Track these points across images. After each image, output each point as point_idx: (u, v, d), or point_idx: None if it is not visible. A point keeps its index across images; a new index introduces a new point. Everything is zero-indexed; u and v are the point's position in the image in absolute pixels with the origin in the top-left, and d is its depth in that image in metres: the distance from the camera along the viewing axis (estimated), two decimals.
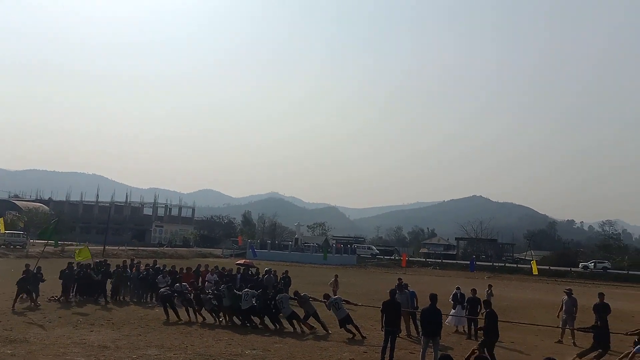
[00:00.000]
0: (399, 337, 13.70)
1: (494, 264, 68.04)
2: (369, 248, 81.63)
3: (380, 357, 11.63)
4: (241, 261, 28.30)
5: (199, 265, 23.43)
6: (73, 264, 20.39)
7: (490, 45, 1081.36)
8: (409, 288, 16.49)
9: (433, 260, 71.99)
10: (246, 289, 16.34)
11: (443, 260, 70.46)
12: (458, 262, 70.70)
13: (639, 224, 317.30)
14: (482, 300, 15.11)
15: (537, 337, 16.36)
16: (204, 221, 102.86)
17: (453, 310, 16.95)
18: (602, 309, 14.81)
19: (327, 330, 15.04)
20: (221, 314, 16.38)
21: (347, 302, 15.93)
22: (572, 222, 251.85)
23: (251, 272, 24.50)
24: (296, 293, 16.31)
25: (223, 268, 23.50)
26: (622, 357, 12.83)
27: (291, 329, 15.20)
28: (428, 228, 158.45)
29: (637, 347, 12.62)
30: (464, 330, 16.36)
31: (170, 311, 16.31)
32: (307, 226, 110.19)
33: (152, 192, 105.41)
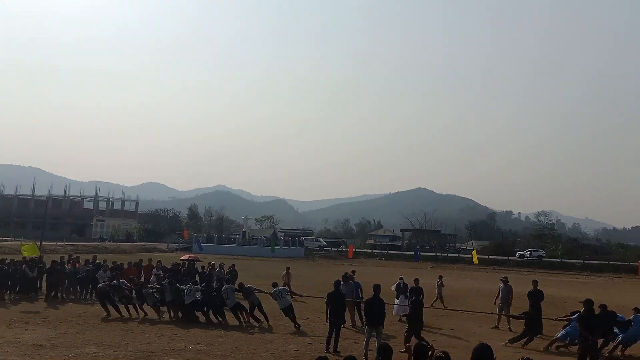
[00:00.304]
0: (343, 327, 13.92)
1: (437, 254, 70.17)
2: (316, 240, 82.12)
3: (325, 348, 11.76)
4: (186, 256, 27.77)
5: (141, 260, 22.82)
6: (5, 261, 19.38)
7: (435, 39, 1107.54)
8: (354, 279, 16.78)
9: (379, 251, 73.34)
10: (189, 284, 16.08)
11: (389, 251, 71.91)
12: (403, 252, 72.35)
13: (572, 215, 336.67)
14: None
15: (475, 323, 17.02)
16: (149, 215, 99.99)
17: (397, 300, 17.34)
18: (535, 296, 15.61)
19: (267, 321, 15.06)
20: (164, 309, 16.04)
21: (293, 294, 16.01)
22: (510, 213, 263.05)
23: (196, 267, 24.11)
24: (241, 285, 16.23)
25: (176, 264, 22.94)
26: (551, 342, 13.61)
27: (236, 322, 15.10)
28: (374, 220, 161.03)
29: (560, 334, 13.43)
30: (407, 320, 16.78)
31: (111, 307, 15.83)
32: (255, 219, 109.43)
33: (93, 185, 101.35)
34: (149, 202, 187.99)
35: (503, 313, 16.45)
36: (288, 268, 23.76)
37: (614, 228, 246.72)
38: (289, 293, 15.62)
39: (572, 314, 13.29)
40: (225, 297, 15.12)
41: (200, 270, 22.65)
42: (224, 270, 22.35)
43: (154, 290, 16.00)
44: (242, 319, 15.19)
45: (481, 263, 52.37)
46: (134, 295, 16.15)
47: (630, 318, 13.03)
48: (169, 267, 21.54)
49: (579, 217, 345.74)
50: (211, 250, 56.07)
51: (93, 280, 19.05)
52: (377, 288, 12.12)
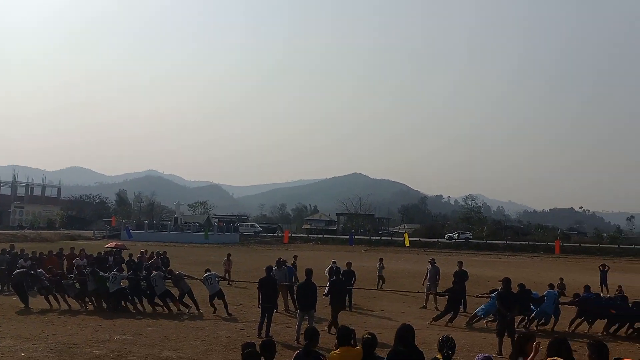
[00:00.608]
0: (276, 312, 13.89)
1: (371, 237, 71.77)
2: (252, 226, 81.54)
3: (257, 333, 11.67)
4: (112, 244, 26.61)
5: (62, 249, 21.64)
6: None
7: (364, 25, 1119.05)
8: (287, 264, 16.78)
9: (315, 235, 74.00)
10: (114, 271, 15.40)
11: (324, 236, 72.72)
12: (338, 236, 73.39)
13: (497, 198, 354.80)
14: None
15: (404, 304, 17.56)
16: (73, 201, 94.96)
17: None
18: (460, 276, 16.32)
19: (198, 308, 14.79)
20: (88, 299, 15.32)
21: (223, 279, 15.84)
22: (440, 197, 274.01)
23: (122, 255, 23.19)
24: (170, 271, 15.81)
25: (104, 253, 21.91)
26: (471, 317, 14.29)
27: (165, 311, 14.69)
28: (311, 205, 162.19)
29: (479, 309, 14.13)
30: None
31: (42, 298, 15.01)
32: (188, 205, 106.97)
33: (10, 169, 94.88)
34: (73, 187, 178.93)
35: (430, 292, 17.08)
36: (229, 255, 23.47)
37: (534, 210, 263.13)
38: (219, 279, 15.39)
39: (492, 291, 14.00)
40: (154, 285, 14.65)
41: (128, 259, 21.82)
42: (165, 259, 21.58)
43: (74, 280, 15.23)
44: (171, 307, 14.80)
45: (412, 245, 54.13)
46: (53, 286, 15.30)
47: (544, 294, 13.89)
48: (95, 257, 20.57)
49: (503, 200, 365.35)
50: (141, 237, 54.21)
51: (11, 271, 17.83)
52: (309, 272, 12.16)
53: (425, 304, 17.09)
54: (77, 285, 15.16)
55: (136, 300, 15.01)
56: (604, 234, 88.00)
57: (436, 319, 14.19)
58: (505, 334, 11.01)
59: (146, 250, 23.65)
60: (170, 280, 15.54)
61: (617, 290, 17.26)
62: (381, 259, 22.49)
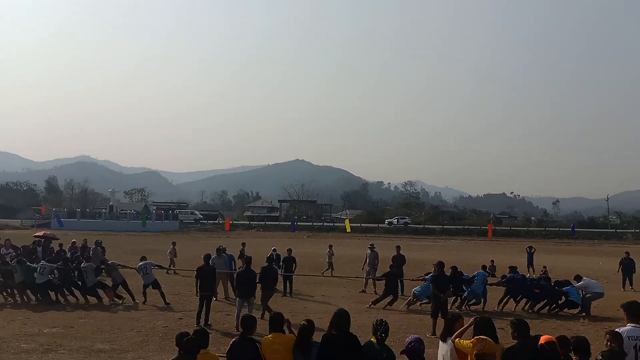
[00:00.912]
0: (217, 300, 13.76)
1: (314, 223, 72.31)
2: (192, 213, 79.98)
3: (195, 322, 11.50)
4: (40, 233, 25.23)
5: None
6: None
7: (300, 10, 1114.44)
8: (227, 252, 16.61)
9: (257, 222, 73.63)
10: (42, 262, 14.65)
11: (266, 222, 72.52)
12: (281, 223, 73.45)
13: (435, 184, 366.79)
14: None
15: (344, 288, 17.86)
16: None
17: None
18: (398, 260, 16.79)
19: (133, 299, 14.42)
20: (13, 291, 14.51)
21: (160, 267, 15.49)
22: (381, 183, 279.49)
23: (52, 246, 22.05)
24: (103, 261, 15.25)
25: (33, 243, 20.60)
26: (409, 300, 14.78)
27: (99, 302, 14.17)
28: (252, 191, 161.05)
29: (414, 289, 14.64)
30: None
31: None
32: (124, 192, 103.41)
33: None
34: None
35: (369, 277, 17.46)
36: (174, 243, 22.90)
37: (469, 196, 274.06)
38: (155, 267, 15.03)
39: (427, 274, 14.52)
40: (85, 276, 14.07)
41: (58, 249, 20.78)
42: (100, 249, 20.62)
43: None
44: (104, 298, 14.28)
45: (354, 231, 55.02)
46: None
47: (474, 275, 14.55)
48: (22, 247, 19.40)
49: (440, 186, 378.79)
50: (74, 226, 51.96)
51: None
52: (248, 260, 12.10)
53: (365, 287, 17.45)
54: (1, 277, 14.32)
55: (66, 292, 14.37)
56: (532, 218, 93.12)
57: (375, 302, 14.53)
58: (439, 315, 11.44)
59: (86, 240, 22.60)
60: (104, 271, 14.99)
61: (542, 270, 18.34)
62: (330, 246, 22.65)
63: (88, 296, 14.25)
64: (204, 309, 11.69)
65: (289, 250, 17.55)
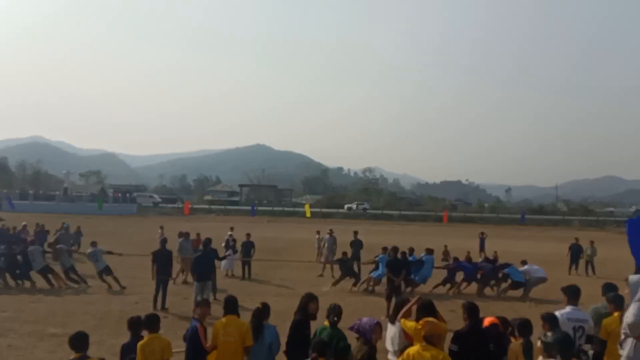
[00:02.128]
0: (175, 284, 13.75)
1: (274, 208, 72.23)
2: (150, 197, 78.44)
3: (152, 306, 11.48)
4: None
5: None
6: None
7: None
8: (189, 236, 16.56)
9: (217, 207, 72.95)
10: None
11: (227, 207, 71.95)
12: (241, 208, 73.01)
13: (394, 170, 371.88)
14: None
15: (304, 272, 18.09)
16: None
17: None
18: (355, 245, 17.14)
19: (85, 283, 14.24)
20: None
21: (110, 253, 15.29)
22: (341, 169, 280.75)
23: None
24: (51, 245, 14.94)
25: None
26: (364, 282, 15.18)
27: (48, 286, 13.91)
28: (213, 176, 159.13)
29: (372, 273, 15.06)
30: (232, 274, 17.01)
31: None
32: (80, 174, 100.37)
33: None
34: None
35: (325, 262, 17.82)
36: (162, 227, 22.43)
37: (426, 182, 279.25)
38: (106, 253, 14.83)
39: (376, 257, 14.94)
40: (32, 260, 13.75)
41: (1, 228, 20.12)
42: (71, 234, 20.03)
43: None
44: (53, 282, 14.01)
45: (314, 216, 55.26)
46: None
47: (422, 257, 15.07)
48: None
49: (398, 173, 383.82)
50: (26, 208, 50.13)
51: None
52: (206, 243, 12.13)
53: (322, 272, 17.75)
54: None
55: (7, 276, 14.01)
56: (485, 205, 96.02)
57: (335, 283, 14.94)
58: (394, 297, 11.82)
59: (40, 224, 21.90)
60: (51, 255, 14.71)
61: (492, 255, 19.05)
62: (330, 230, 19.80)
63: (36, 280, 13.94)
64: (161, 292, 11.69)
65: (248, 235, 17.58)
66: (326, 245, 18.12)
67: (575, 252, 20.84)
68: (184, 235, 16.29)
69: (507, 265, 15.31)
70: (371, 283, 14.96)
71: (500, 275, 15.18)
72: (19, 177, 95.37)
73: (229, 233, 18.29)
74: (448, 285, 15.15)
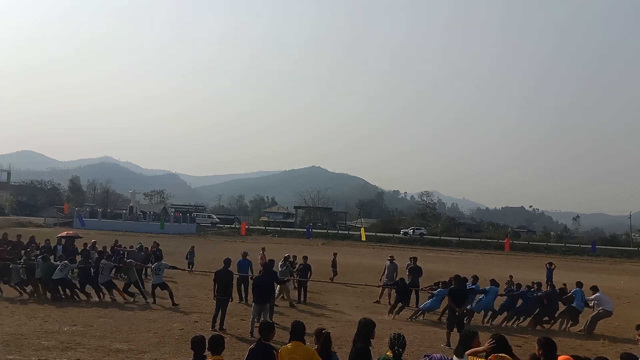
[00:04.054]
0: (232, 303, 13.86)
1: (329, 231, 72.24)
2: (209, 217, 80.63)
3: (211, 326, 11.63)
4: (64, 233, 25.71)
5: (6, 235, 20.76)
6: None
7: (305, 17, 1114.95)
8: (247, 257, 16.76)
9: (272, 228, 73.85)
10: (65, 261, 14.99)
11: (282, 228, 72.70)
12: (296, 229, 73.55)
13: (452, 195, 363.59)
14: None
15: (359, 298, 17.83)
16: (23, 186, 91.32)
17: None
18: (414, 271, 16.72)
19: (146, 299, 14.70)
20: (30, 288, 14.91)
21: (175, 268, 15.74)
22: (397, 192, 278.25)
23: (75, 244, 22.45)
24: (121, 259, 15.57)
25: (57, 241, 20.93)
26: (415, 312, 14.71)
27: (119, 300, 14.47)
28: (269, 197, 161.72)
29: (424, 304, 14.56)
30: (287, 297, 16.52)
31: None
32: (144, 194, 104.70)
33: None
34: (24, 172, 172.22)
35: (379, 285, 17.48)
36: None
37: (486, 208, 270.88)
38: (170, 267, 15.29)
39: (435, 284, 14.47)
40: (100, 272, 14.40)
41: (83, 248, 21.15)
42: (143, 253, 20.89)
43: (22, 266, 14.76)
44: (117, 297, 14.57)
45: (369, 240, 54.86)
46: None
47: (485, 288, 14.42)
48: (44, 245, 19.79)
49: (457, 197, 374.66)
50: (95, 225, 52.80)
51: None
52: (266, 265, 12.22)
53: (379, 298, 17.39)
54: (23, 272, 14.73)
55: (80, 288, 14.76)
56: (552, 233, 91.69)
57: (391, 310, 14.57)
58: (455, 328, 11.41)
59: (118, 241, 22.99)
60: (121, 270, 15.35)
61: (560, 288, 18.01)
62: (335, 254, 21.14)
63: (101, 292, 14.61)
64: (220, 312, 11.82)
65: (305, 258, 17.58)
66: (386, 272, 17.74)
67: None
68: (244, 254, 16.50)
69: (571, 298, 14.39)
70: (419, 314, 14.53)
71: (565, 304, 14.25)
72: (89, 196, 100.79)
73: (287, 254, 18.31)
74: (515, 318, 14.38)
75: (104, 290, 14.82)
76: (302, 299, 16.50)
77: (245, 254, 16.62)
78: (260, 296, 11.60)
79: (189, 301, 15.20)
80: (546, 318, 14.23)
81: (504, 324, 14.16)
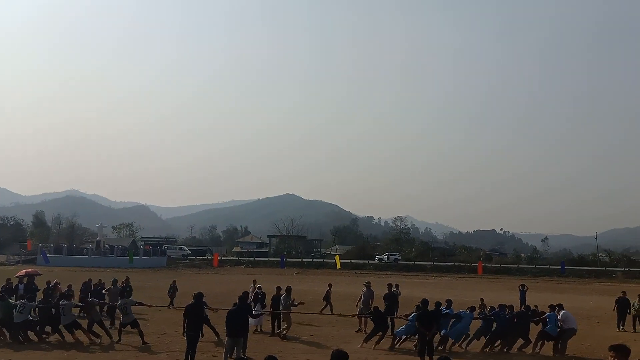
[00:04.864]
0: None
1: (303, 259, 71.61)
2: (180, 249, 79.06)
3: None
4: (22, 272, 24.58)
5: None
6: None
7: (302, 40, 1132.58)
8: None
9: (246, 258, 72.84)
10: (23, 300, 14.28)
11: (255, 258, 71.72)
12: (270, 259, 72.69)
13: (425, 220, 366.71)
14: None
15: (334, 328, 17.52)
16: None
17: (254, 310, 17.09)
18: (390, 298, 16.57)
19: (111, 339, 14.07)
20: None
21: (140, 304, 15.20)
22: (371, 218, 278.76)
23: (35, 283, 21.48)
24: (82, 299, 14.96)
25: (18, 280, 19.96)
26: (393, 339, 14.52)
27: (78, 340, 13.79)
28: (242, 226, 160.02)
29: (397, 330, 14.41)
30: (260, 330, 16.27)
31: None
32: (113, 227, 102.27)
33: None
34: None
35: (354, 315, 17.19)
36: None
37: (459, 232, 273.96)
38: (136, 304, 14.77)
39: (409, 314, 14.34)
40: (62, 313, 13.74)
41: (46, 286, 20.26)
42: (119, 288, 20.10)
43: None
44: (82, 337, 13.89)
45: (344, 267, 54.48)
46: None
47: (460, 312, 14.36)
48: (4, 285, 18.89)
49: (430, 222, 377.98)
50: (59, 262, 51.07)
51: None
52: (240, 298, 11.92)
53: (361, 326, 17.05)
54: None
55: (45, 330, 14.05)
56: (522, 255, 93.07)
57: (366, 339, 14.27)
58: (426, 353, 11.33)
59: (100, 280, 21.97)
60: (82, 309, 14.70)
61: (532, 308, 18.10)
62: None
63: (65, 335, 13.88)
64: (191, 348, 11.36)
65: (278, 288, 17.21)
66: (362, 298, 17.49)
67: (623, 306, 19.54)
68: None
69: (541, 313, 14.49)
70: (397, 341, 14.33)
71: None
72: (54, 231, 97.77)
73: (258, 285, 17.96)
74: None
75: (64, 332, 14.06)
76: (276, 331, 16.11)
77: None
78: (234, 330, 11.27)
79: (157, 338, 14.66)
80: (523, 342, 14.22)
81: (484, 349, 14.05)
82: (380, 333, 14.24)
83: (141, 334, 13.89)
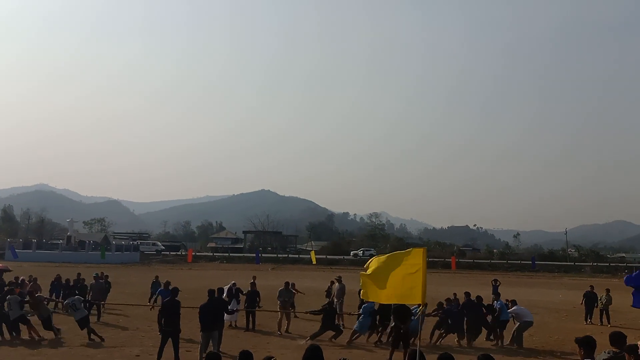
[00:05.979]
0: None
1: (278, 255, 71.54)
2: (153, 244, 78.12)
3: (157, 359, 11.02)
4: None
5: None
6: None
7: (265, 38, 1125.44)
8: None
9: (220, 254, 72.36)
10: None
11: (230, 254, 71.34)
12: (245, 255, 72.37)
13: (400, 216, 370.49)
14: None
15: (309, 322, 17.48)
16: None
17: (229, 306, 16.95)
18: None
19: (56, 335, 13.75)
20: None
21: (88, 302, 14.99)
22: (347, 214, 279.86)
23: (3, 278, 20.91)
24: (30, 293, 14.60)
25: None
26: (351, 334, 14.48)
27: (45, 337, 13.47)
28: (217, 222, 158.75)
29: (355, 326, 14.39)
30: (235, 325, 16.16)
31: None
32: (84, 222, 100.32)
33: None
34: None
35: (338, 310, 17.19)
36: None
37: (433, 228, 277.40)
38: (84, 302, 14.48)
39: (362, 305, 14.32)
40: (8, 309, 13.35)
41: (14, 281, 19.70)
42: (104, 283, 19.59)
43: None
44: (30, 333, 13.55)
45: (319, 263, 54.58)
46: None
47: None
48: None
49: (405, 218, 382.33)
50: (29, 257, 49.79)
51: None
52: (211, 293, 11.81)
53: (338, 321, 17.04)
54: None
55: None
56: (495, 250, 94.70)
57: (313, 336, 13.85)
58: (400, 345, 11.51)
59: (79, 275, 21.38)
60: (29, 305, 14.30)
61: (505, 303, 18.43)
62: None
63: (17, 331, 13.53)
64: (172, 345, 11.08)
65: (252, 283, 17.15)
66: (335, 293, 17.56)
67: (590, 300, 20.10)
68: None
69: (491, 307, 14.77)
70: (360, 334, 14.27)
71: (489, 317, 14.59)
72: (23, 226, 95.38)
73: (232, 282, 17.77)
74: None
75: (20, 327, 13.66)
76: (250, 326, 16.04)
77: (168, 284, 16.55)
78: (208, 324, 11.17)
79: (130, 334, 14.45)
80: (490, 335, 14.50)
81: (437, 342, 14.17)
82: (330, 331, 14.13)
83: (92, 331, 13.53)
